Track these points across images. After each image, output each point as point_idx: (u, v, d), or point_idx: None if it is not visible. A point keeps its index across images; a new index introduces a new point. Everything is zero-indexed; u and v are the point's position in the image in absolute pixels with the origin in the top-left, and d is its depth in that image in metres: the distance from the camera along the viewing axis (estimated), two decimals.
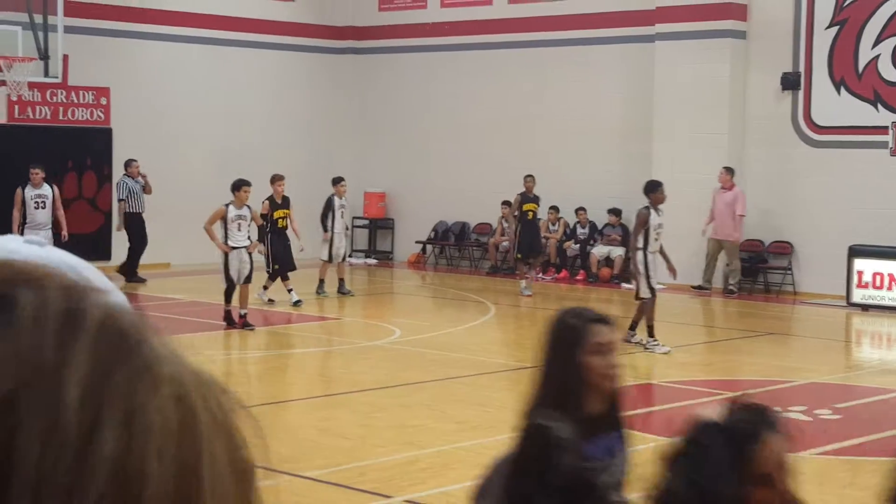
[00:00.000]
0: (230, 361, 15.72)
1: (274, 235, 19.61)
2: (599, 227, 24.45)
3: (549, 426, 3.71)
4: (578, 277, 24.32)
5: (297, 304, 19.59)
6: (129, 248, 22.89)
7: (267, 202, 19.70)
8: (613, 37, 24.40)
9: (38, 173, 20.10)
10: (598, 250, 24.16)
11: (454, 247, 26.89)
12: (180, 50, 25.26)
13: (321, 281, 21.21)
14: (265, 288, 19.82)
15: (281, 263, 19.62)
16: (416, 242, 27.11)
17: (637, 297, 16.10)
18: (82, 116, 24.01)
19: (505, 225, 24.87)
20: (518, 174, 23.79)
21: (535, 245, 22.44)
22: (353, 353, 16.33)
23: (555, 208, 24.58)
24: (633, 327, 16.05)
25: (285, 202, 19.81)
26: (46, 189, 20.15)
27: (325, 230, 21.27)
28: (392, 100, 27.70)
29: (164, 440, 0.80)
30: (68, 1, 20.46)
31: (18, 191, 19.98)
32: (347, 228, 22.32)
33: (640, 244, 15.90)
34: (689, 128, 22.86)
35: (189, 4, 25.45)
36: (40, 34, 19.96)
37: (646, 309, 15.96)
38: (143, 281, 22.25)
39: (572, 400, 4.31)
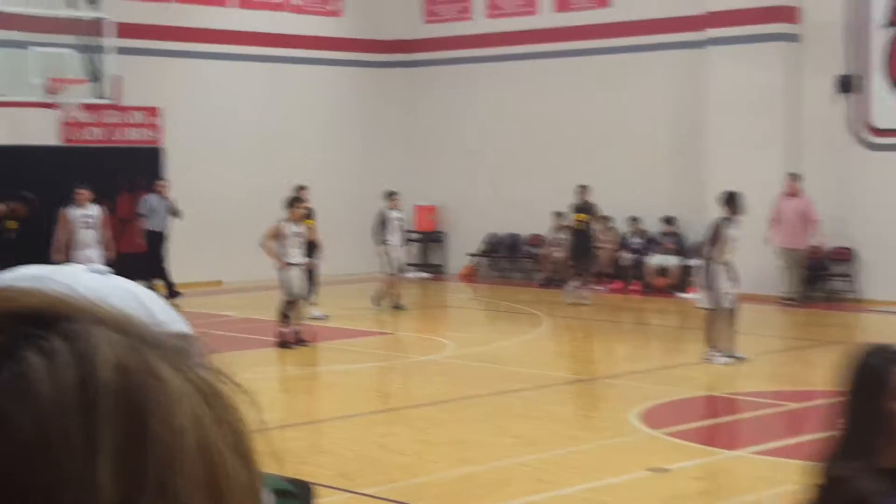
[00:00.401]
0: (285, 378, 15.68)
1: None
2: (653, 236, 24.25)
3: (852, 479, 3.54)
4: (633, 288, 24.13)
5: (320, 317, 19.57)
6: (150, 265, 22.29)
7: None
8: (663, 43, 24.22)
9: (82, 193, 19.96)
10: (653, 260, 23.96)
11: (506, 259, 26.77)
12: (230, 68, 25.34)
13: (381, 294, 21.19)
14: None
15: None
16: (468, 255, 27.02)
17: (706, 307, 15.87)
18: (134, 136, 24.12)
19: (557, 236, 24.76)
20: (569, 184, 23.65)
21: (586, 254, 22.30)
22: (408, 368, 16.26)
23: (607, 218, 24.40)
24: (713, 343, 15.80)
25: (310, 213, 19.76)
26: (93, 209, 20.01)
27: (378, 244, 21.22)
28: (441, 112, 27.65)
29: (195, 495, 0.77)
30: (120, 22, 20.55)
31: (63, 211, 19.82)
32: (404, 242, 22.07)
33: (714, 254, 15.73)
34: (743, 134, 22.62)
35: (238, 23, 25.53)
36: (92, 56, 20.09)
37: (717, 319, 15.78)
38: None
39: (876, 450, 4.01)
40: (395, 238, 21.22)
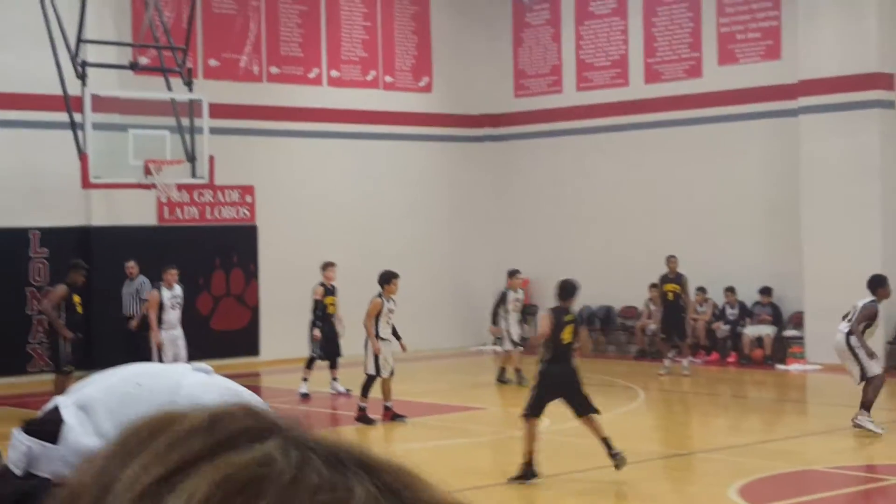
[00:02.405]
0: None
1: (323, 322, 19.70)
2: (749, 306, 23.96)
3: None
4: (730, 359, 23.82)
5: (342, 392, 19.64)
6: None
7: (321, 288, 19.82)
8: (755, 112, 24.08)
9: (172, 274, 19.87)
10: (750, 330, 23.65)
11: (600, 331, 26.59)
12: (320, 145, 25.62)
13: (503, 369, 21.22)
14: (304, 380, 19.82)
15: (327, 351, 19.64)
16: None
17: (863, 379, 15.67)
18: (228, 215, 24.44)
19: (652, 308, 24.57)
20: (663, 255, 23.49)
21: (678, 326, 22.11)
22: (502, 444, 16.13)
23: (702, 289, 24.17)
24: (867, 408, 15.63)
25: (333, 290, 19.94)
26: (179, 289, 19.98)
27: (494, 323, 21.27)
28: (531, 184, 27.68)
29: None
30: (213, 103, 20.91)
31: (155, 293, 19.57)
32: (521, 320, 21.91)
33: (856, 330, 15.81)
34: (840, 202, 22.34)
35: (328, 101, 25.84)
36: (187, 137, 20.43)
37: (876, 386, 15.64)
38: None
39: None
40: (512, 317, 21.23)
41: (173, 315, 19.41)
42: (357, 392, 17.68)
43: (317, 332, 19.40)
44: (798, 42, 23.11)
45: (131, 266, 21.15)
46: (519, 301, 21.51)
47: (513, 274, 21.61)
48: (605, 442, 13.14)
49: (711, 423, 17.55)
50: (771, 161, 23.87)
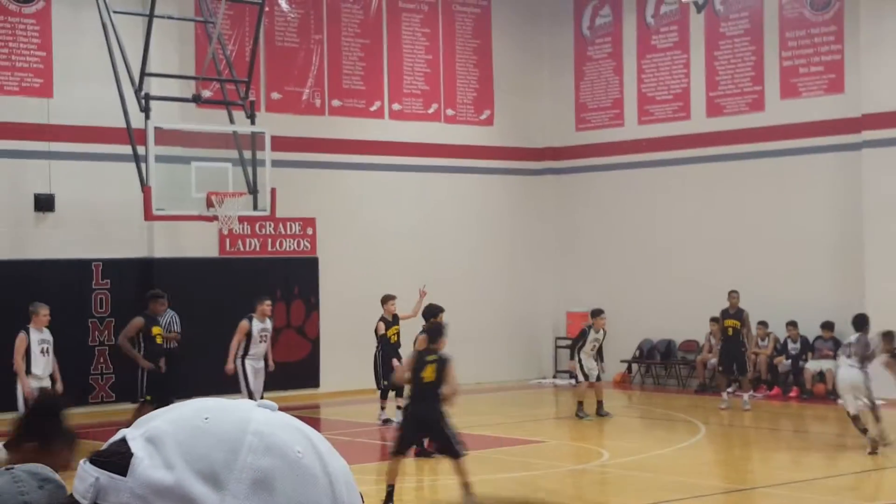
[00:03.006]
0: (437, 488, 15.59)
1: (387, 352, 19.99)
2: (811, 341, 23.73)
3: None
4: (791, 394, 23.60)
5: (387, 422, 19.74)
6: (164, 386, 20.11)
7: (381, 323, 20.13)
8: (817, 146, 23.91)
9: (268, 306, 19.84)
10: (812, 365, 23.43)
11: (660, 365, 26.44)
12: (382, 178, 25.72)
13: (580, 403, 21.20)
14: (382, 408, 20.24)
15: (391, 380, 19.74)
16: (622, 361, 26.75)
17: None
18: (289, 247, 24.57)
19: (713, 342, 24.43)
20: (723, 289, 23.32)
21: (738, 361, 21.99)
22: (564, 477, 16.06)
23: (763, 323, 23.99)
24: None
25: (395, 319, 20.31)
26: (270, 323, 19.96)
27: (571, 358, 21.42)
28: (592, 218, 27.62)
29: None
30: (275, 136, 21.06)
31: (245, 323, 19.50)
32: (598, 357, 21.91)
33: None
34: None
35: (389, 134, 25.96)
36: (249, 169, 20.58)
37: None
38: None
39: None
40: (586, 353, 21.40)
41: (262, 348, 19.43)
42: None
43: (395, 362, 19.33)
44: (861, 75, 22.95)
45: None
46: (598, 341, 21.50)
47: (597, 314, 21.75)
48: (465, 487, 13.10)
49: (772, 458, 17.38)
50: (834, 195, 23.68)
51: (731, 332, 22.06)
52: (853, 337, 17.62)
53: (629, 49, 27.07)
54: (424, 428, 13.93)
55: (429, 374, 13.63)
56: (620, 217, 27.02)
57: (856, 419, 16.92)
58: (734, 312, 22.10)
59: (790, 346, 23.87)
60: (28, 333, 17.06)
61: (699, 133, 25.75)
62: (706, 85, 25.74)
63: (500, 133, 27.71)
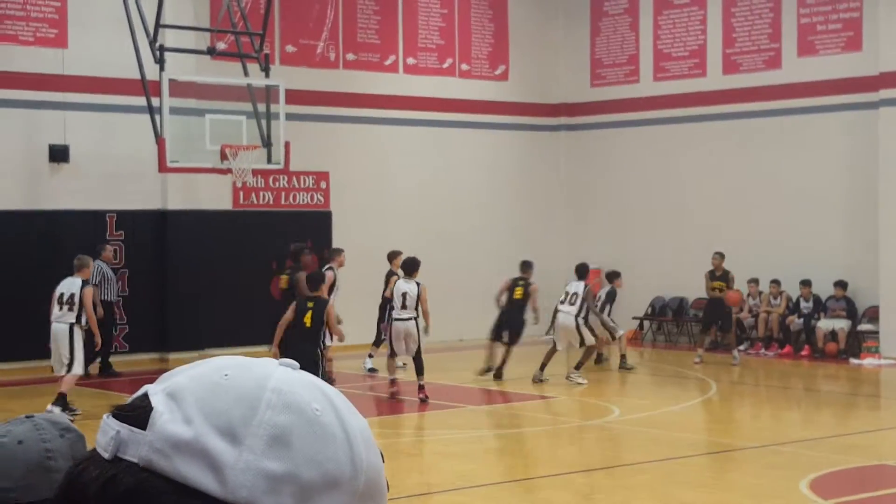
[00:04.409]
0: (450, 441, 15.67)
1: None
2: (823, 300, 23.72)
3: None
4: (803, 353, 23.62)
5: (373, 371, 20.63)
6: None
7: (395, 277, 19.84)
8: (834, 105, 23.81)
9: (344, 257, 20.53)
10: (824, 324, 23.43)
11: (672, 322, 26.47)
12: (396, 132, 25.70)
13: (622, 357, 21.96)
14: (370, 356, 21.02)
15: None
16: (634, 318, 26.77)
17: None
18: (303, 201, 24.59)
19: (751, 302, 24.63)
20: (737, 247, 23.36)
21: (720, 319, 22.82)
22: (574, 433, 16.13)
23: (776, 282, 23.99)
24: None
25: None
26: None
27: (596, 315, 21.76)
28: (605, 174, 27.59)
29: None
30: (289, 89, 21.03)
31: (330, 274, 19.49)
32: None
33: None
34: None
35: (404, 88, 25.91)
36: (263, 122, 20.58)
37: None
38: (117, 375, 20.55)
39: None
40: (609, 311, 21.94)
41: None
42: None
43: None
44: (880, 33, 22.81)
45: (108, 251, 20.98)
46: (613, 295, 22.24)
47: (617, 275, 22.39)
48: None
49: (783, 416, 17.43)
50: (849, 154, 23.60)
51: (717, 292, 22.52)
52: (576, 285, 19.95)
53: (646, 5, 26.93)
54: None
55: (308, 319, 14.93)
56: (634, 174, 26.97)
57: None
58: (720, 274, 22.62)
59: (802, 304, 23.86)
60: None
61: (715, 90, 25.65)
62: (723, 42, 25.61)
63: (515, 88, 27.63)
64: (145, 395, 1.16)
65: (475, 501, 12.15)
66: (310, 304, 14.94)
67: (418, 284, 17.90)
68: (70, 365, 16.18)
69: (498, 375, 20.04)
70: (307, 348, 14.45)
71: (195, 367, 1.18)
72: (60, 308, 16.40)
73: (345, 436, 1.15)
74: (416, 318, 17.77)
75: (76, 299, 16.32)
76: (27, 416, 2.32)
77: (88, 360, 17.49)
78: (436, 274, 22.48)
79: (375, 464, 1.17)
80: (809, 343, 23.67)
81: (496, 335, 20.28)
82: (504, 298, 20.28)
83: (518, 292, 20.10)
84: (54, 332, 16.42)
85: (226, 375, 1.15)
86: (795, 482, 12.23)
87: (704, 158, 25.72)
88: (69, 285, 16.49)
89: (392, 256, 20.75)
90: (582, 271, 20.54)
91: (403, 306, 17.83)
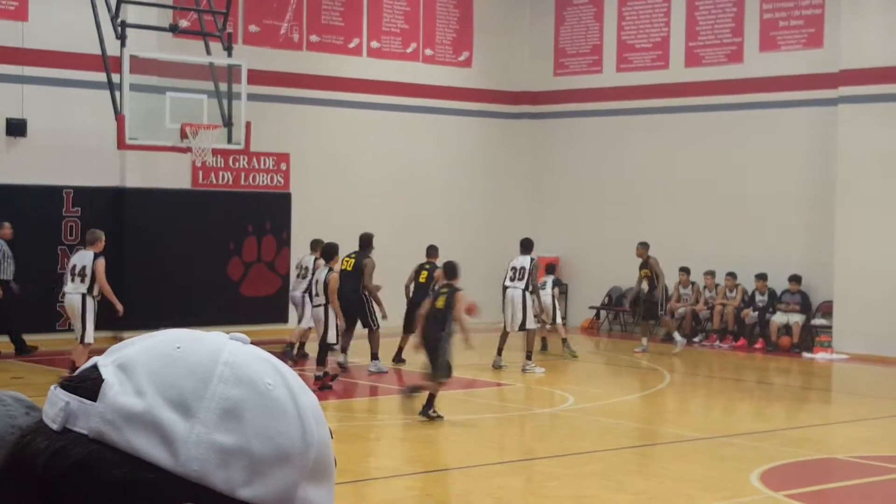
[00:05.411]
0: (403, 427, 15.69)
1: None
2: (778, 294, 23.89)
3: None
4: (757, 346, 23.79)
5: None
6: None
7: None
8: (793, 100, 23.96)
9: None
10: (778, 318, 23.60)
11: (628, 312, 26.58)
12: (358, 116, 25.64)
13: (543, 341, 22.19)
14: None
15: None
16: (590, 308, 26.87)
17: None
18: (262, 182, 24.50)
19: (681, 290, 24.69)
20: (694, 239, 23.48)
21: (651, 309, 23.26)
22: (528, 420, 16.18)
23: (732, 275, 24.14)
24: None
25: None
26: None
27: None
28: (566, 164, 27.65)
29: None
30: (252, 69, 20.93)
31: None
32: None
33: None
34: (875, 194, 22.22)
35: (367, 72, 25.84)
36: (224, 102, 20.47)
37: None
38: (33, 350, 20.45)
39: None
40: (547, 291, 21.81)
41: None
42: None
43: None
44: (841, 31, 22.96)
45: (7, 228, 20.54)
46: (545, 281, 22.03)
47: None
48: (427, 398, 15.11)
49: (736, 408, 17.55)
50: (808, 150, 23.75)
51: (646, 281, 22.93)
52: (521, 259, 20.20)
53: None
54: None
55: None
56: (595, 164, 27.04)
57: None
58: (642, 262, 23.04)
59: (758, 298, 24.02)
60: None
61: (677, 83, 25.74)
62: (686, 35, 25.71)
63: (479, 75, 27.62)
64: (94, 367, 1.15)
65: (427, 486, 12.17)
66: (443, 291, 15.48)
67: (330, 270, 17.71)
68: (82, 336, 16.82)
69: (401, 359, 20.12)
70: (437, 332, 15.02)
71: (146, 340, 1.17)
72: (73, 280, 17.05)
73: (296, 411, 1.15)
74: (325, 305, 17.52)
75: (88, 271, 16.93)
76: None
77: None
78: (395, 258, 22.46)
79: (325, 440, 1.17)
80: (763, 336, 23.84)
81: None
82: (413, 286, 20.11)
83: (423, 275, 19.93)
84: (68, 302, 17.27)
85: (178, 348, 1.15)
86: (746, 474, 12.32)
87: (664, 150, 25.82)
88: (81, 258, 17.18)
89: (314, 246, 20.51)
90: (528, 246, 20.65)
91: (317, 293, 17.75)
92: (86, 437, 1.11)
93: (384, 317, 19.44)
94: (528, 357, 20.13)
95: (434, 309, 15.16)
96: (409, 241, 24.88)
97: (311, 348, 20.53)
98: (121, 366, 1.14)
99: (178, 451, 1.09)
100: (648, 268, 22.96)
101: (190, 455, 1.10)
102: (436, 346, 15.02)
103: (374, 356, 19.47)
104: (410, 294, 20.04)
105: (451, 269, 15.72)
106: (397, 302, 20.29)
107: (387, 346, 19.73)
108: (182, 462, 1.09)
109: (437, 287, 16.38)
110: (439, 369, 15.03)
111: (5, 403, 2.30)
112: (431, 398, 15.08)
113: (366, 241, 19.50)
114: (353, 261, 19.32)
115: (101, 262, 17.01)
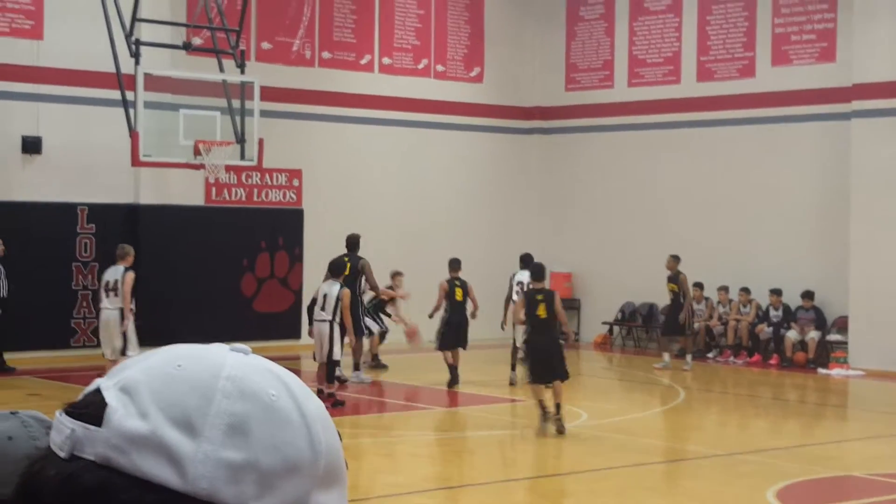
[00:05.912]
0: (417, 443, 15.66)
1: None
2: (793, 309, 23.81)
3: None
4: (772, 362, 23.71)
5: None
6: None
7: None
8: (806, 115, 23.92)
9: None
10: (792, 334, 23.52)
11: (641, 328, 26.52)
12: (370, 132, 25.67)
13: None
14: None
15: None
16: (603, 323, 26.83)
17: None
18: (275, 198, 24.54)
19: (695, 306, 24.62)
20: (708, 254, 23.43)
21: (672, 324, 22.97)
22: (540, 437, 16.13)
23: (746, 290, 24.08)
24: None
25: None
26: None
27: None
28: (578, 179, 27.63)
29: None
30: (264, 86, 20.99)
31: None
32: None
33: None
34: (890, 209, 22.15)
35: (379, 88, 25.88)
36: (237, 119, 20.53)
37: None
38: (11, 370, 20.07)
39: None
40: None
41: None
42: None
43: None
44: (853, 45, 22.92)
45: None
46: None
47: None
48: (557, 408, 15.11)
49: (751, 424, 17.49)
50: (821, 165, 23.70)
51: (671, 296, 22.81)
52: (522, 274, 19.73)
53: (621, 10, 26.99)
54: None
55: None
56: (606, 179, 27.02)
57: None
58: (672, 276, 22.89)
59: (772, 313, 23.95)
60: None
61: (688, 97, 25.72)
62: (697, 49, 25.70)
63: (490, 91, 27.65)
64: (97, 391, 1.14)
65: (437, 503, 12.13)
66: (539, 297, 15.53)
67: (342, 287, 17.48)
68: (124, 349, 16.94)
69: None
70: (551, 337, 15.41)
71: (147, 359, 1.16)
72: (107, 295, 17.22)
73: (302, 420, 1.14)
74: (331, 321, 17.29)
75: (120, 285, 17.11)
76: (11, 412, 2.30)
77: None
78: (407, 274, 22.45)
79: (334, 445, 1.16)
80: (778, 352, 23.76)
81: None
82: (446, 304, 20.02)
83: (459, 293, 19.90)
84: (105, 318, 17.36)
85: (179, 366, 1.14)
86: (762, 491, 12.26)
87: (676, 165, 25.79)
88: (113, 273, 17.36)
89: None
90: (528, 262, 20.17)
91: (322, 307, 17.44)
92: (94, 463, 1.10)
93: (403, 296, 20.18)
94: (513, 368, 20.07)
95: (536, 318, 15.23)
96: (421, 257, 24.88)
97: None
98: (123, 388, 1.13)
99: (186, 471, 1.09)
100: (678, 283, 22.78)
101: (198, 473, 1.09)
102: (556, 352, 15.31)
103: (357, 366, 19.48)
104: (445, 312, 19.85)
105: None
106: (417, 319, 20.31)
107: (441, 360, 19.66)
108: (191, 481, 1.09)
109: (529, 295, 15.94)
110: (564, 375, 15.39)
111: (27, 425, 2.28)
112: (558, 407, 15.24)
113: (354, 243, 19.52)
114: (347, 264, 19.12)
115: (131, 275, 17.25)
